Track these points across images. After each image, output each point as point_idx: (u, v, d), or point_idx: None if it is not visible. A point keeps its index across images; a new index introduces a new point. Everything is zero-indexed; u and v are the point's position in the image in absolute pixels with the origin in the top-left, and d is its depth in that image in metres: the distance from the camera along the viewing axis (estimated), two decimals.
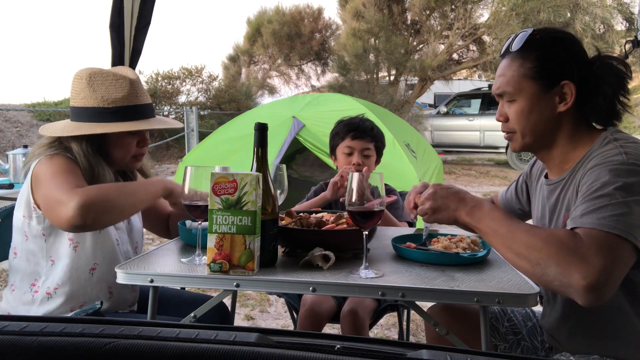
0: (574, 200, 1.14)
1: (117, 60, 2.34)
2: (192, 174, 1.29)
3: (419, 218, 1.31)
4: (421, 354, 0.50)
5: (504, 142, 10.61)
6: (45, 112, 11.84)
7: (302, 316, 1.83)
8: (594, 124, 1.22)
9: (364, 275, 1.15)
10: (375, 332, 2.92)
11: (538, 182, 1.38)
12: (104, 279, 1.48)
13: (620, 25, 11.38)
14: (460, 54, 13.84)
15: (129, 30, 2.32)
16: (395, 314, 2.26)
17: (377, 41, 13.07)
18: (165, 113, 12.29)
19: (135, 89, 1.50)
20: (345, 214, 1.40)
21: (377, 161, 2.07)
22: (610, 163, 1.07)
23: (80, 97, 1.47)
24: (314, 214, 1.52)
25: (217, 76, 14.57)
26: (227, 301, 1.88)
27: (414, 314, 2.47)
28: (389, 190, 2.08)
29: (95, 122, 1.45)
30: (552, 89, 1.17)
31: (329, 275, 1.17)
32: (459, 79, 17.14)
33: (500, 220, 1.08)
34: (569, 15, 11.02)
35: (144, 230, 1.72)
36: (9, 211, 1.71)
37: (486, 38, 12.51)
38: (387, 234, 1.63)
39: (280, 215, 1.41)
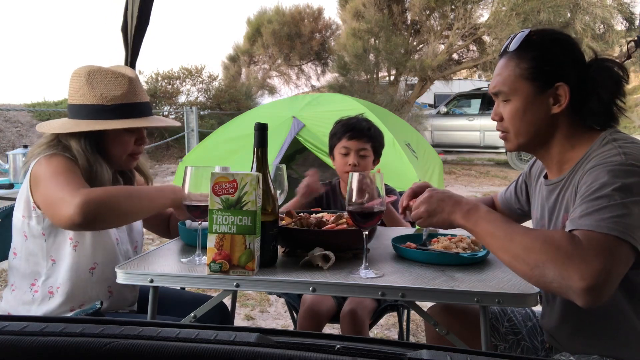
0: (572, 200, 1.14)
1: (127, 62, 2.36)
2: (192, 174, 1.29)
3: None
4: (421, 354, 0.50)
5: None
6: (45, 112, 11.83)
7: (301, 316, 1.83)
8: (592, 125, 1.21)
9: (364, 275, 1.15)
10: (375, 332, 2.92)
11: (537, 182, 1.38)
12: (104, 279, 1.48)
13: (620, 25, 11.38)
14: (460, 54, 13.84)
15: (130, 30, 2.32)
16: (395, 314, 2.26)
17: (377, 41, 13.07)
18: (165, 113, 12.29)
19: (134, 87, 1.50)
20: (345, 214, 1.40)
21: (376, 161, 2.06)
22: (609, 164, 1.06)
23: (78, 95, 1.47)
24: (314, 214, 1.52)
25: (217, 76, 14.58)
26: (227, 301, 1.88)
27: (414, 314, 2.47)
28: (389, 191, 2.08)
29: (94, 119, 1.45)
30: (546, 90, 1.17)
31: (329, 275, 1.17)
32: (459, 79, 17.14)
33: (496, 223, 1.08)
34: (569, 15, 11.02)
35: (144, 230, 1.72)
36: (9, 211, 1.71)
37: (486, 38, 12.51)
38: (387, 234, 1.63)
39: (280, 215, 1.41)
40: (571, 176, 1.19)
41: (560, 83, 1.15)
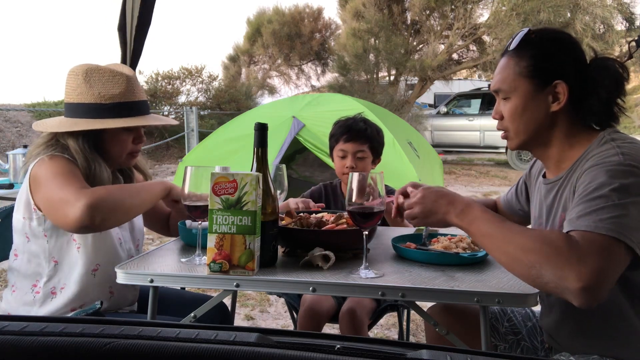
0: (570, 199, 1.14)
1: (124, 61, 2.36)
2: (192, 174, 1.29)
3: None
4: (421, 354, 0.50)
5: (504, 142, 10.56)
6: (45, 112, 11.83)
7: (301, 315, 1.83)
8: (592, 124, 1.21)
9: (364, 275, 1.15)
10: (375, 332, 2.92)
11: (536, 182, 1.38)
12: (105, 279, 1.48)
13: (620, 25, 11.38)
14: (460, 54, 13.84)
15: (129, 30, 2.32)
16: (395, 314, 2.26)
17: (377, 41, 13.07)
18: (165, 113, 12.29)
19: (132, 85, 1.50)
20: (345, 214, 1.40)
21: (377, 161, 2.05)
22: (607, 164, 1.06)
23: (76, 93, 1.46)
24: (314, 214, 1.52)
25: (217, 76, 14.59)
26: (227, 301, 1.88)
27: (414, 314, 2.47)
28: (389, 191, 2.08)
29: (92, 118, 1.44)
30: (545, 88, 1.17)
31: (329, 275, 1.17)
32: (459, 79, 17.14)
33: (492, 223, 1.07)
34: (569, 15, 11.02)
35: (144, 229, 1.72)
36: (9, 211, 1.71)
37: (486, 38, 12.51)
38: (387, 234, 1.63)
39: (280, 215, 1.41)
40: (569, 175, 1.19)
41: (558, 81, 1.15)
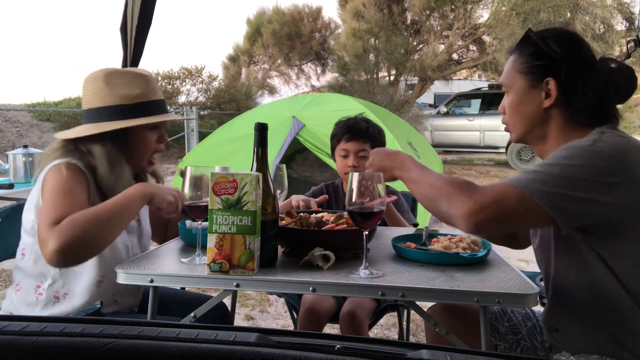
0: None
1: (125, 62, 2.36)
2: (192, 174, 1.29)
3: (420, 217, 1.33)
4: (421, 354, 0.50)
5: (504, 142, 10.59)
6: (45, 112, 11.83)
7: (302, 316, 1.83)
8: (590, 122, 1.22)
9: (364, 275, 1.15)
10: (375, 332, 2.92)
11: None
12: (110, 289, 1.48)
13: (620, 25, 11.38)
14: (460, 54, 13.85)
15: (130, 30, 2.32)
16: (395, 314, 2.26)
17: (377, 41, 13.07)
18: None
19: (152, 85, 1.52)
20: (345, 214, 1.40)
21: None
22: (574, 145, 1.11)
23: (99, 97, 1.46)
24: (314, 214, 1.52)
25: (217, 76, 14.59)
26: (227, 301, 1.88)
27: (414, 314, 2.47)
28: (389, 191, 2.08)
29: (117, 119, 1.45)
30: (539, 85, 1.23)
31: (329, 275, 1.17)
32: (459, 79, 17.15)
33: (417, 170, 1.24)
34: (569, 15, 11.01)
35: None
36: (9, 211, 1.71)
37: (486, 38, 12.51)
38: (387, 234, 1.63)
39: (280, 215, 1.41)
40: None
41: (549, 78, 1.21)
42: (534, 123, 1.25)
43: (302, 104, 5.61)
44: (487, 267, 1.27)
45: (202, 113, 12.17)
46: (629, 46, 1.53)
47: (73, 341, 0.50)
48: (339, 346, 0.51)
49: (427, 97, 17.28)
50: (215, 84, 14.28)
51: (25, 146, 3.37)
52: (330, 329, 2.67)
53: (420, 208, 2.59)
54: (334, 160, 2.09)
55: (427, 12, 13.08)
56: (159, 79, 13.01)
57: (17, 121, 11.60)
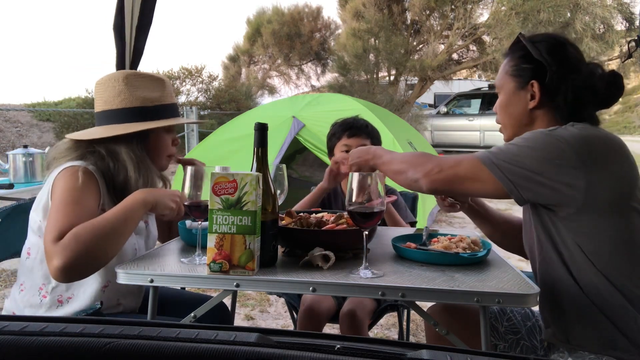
0: None
1: (120, 61, 2.35)
2: (192, 174, 1.29)
3: (420, 217, 1.34)
4: (421, 354, 0.50)
5: (503, 142, 10.58)
6: (45, 112, 11.84)
7: (301, 315, 1.83)
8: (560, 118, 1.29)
9: (364, 275, 1.15)
10: (375, 332, 2.92)
11: None
12: (114, 294, 1.48)
13: (620, 25, 11.37)
14: (460, 54, 13.85)
15: (129, 30, 2.32)
16: (395, 314, 2.26)
17: (377, 41, 13.07)
18: None
19: (169, 88, 1.55)
20: (345, 214, 1.40)
21: None
22: (537, 130, 1.21)
23: (119, 99, 1.46)
24: (314, 214, 1.52)
25: (217, 76, 14.59)
26: (227, 301, 1.88)
27: (414, 314, 2.47)
28: (389, 191, 2.09)
29: (138, 121, 1.46)
30: (524, 87, 1.31)
31: (329, 275, 1.17)
32: (459, 79, 17.15)
33: (388, 154, 1.39)
34: (568, 15, 11.01)
35: None
36: (9, 211, 1.71)
37: (486, 38, 12.51)
38: (387, 234, 1.63)
39: (280, 215, 1.41)
40: None
41: (534, 81, 1.28)
42: (520, 123, 1.33)
43: (302, 104, 5.61)
44: (487, 267, 1.27)
45: (202, 113, 12.18)
46: (629, 46, 1.54)
47: (73, 341, 0.50)
48: (339, 346, 0.51)
49: (427, 97, 17.28)
50: (215, 84, 14.28)
51: (25, 146, 3.37)
52: (330, 328, 2.67)
53: (420, 208, 2.59)
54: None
55: (427, 12, 13.09)
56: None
57: (17, 121, 11.60)
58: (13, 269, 3.87)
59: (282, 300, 2.70)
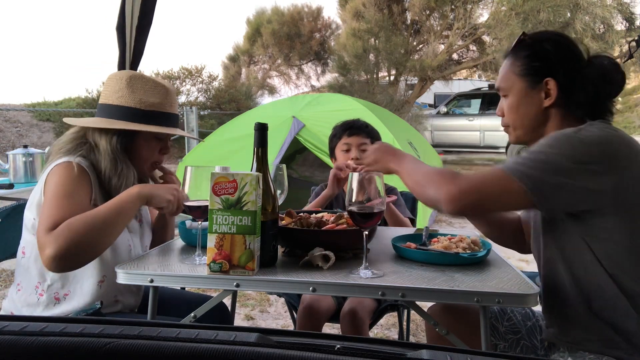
0: None
1: (122, 61, 2.36)
2: (192, 174, 1.29)
3: (420, 217, 1.34)
4: (421, 354, 0.50)
5: (504, 142, 10.60)
6: (45, 112, 11.84)
7: (300, 314, 1.83)
8: (586, 119, 1.25)
9: (364, 275, 1.15)
10: (375, 332, 2.92)
11: None
12: (111, 289, 1.48)
13: (620, 25, 11.37)
14: (460, 54, 13.84)
15: (129, 30, 2.32)
16: (395, 314, 2.26)
17: (377, 41, 13.06)
18: None
19: (170, 98, 1.56)
20: (345, 214, 1.40)
21: None
22: (559, 132, 1.15)
23: (117, 96, 1.49)
24: (314, 214, 1.52)
25: (217, 76, 14.59)
26: (227, 301, 1.88)
27: (414, 314, 2.47)
28: (390, 190, 2.10)
29: (129, 121, 1.48)
30: (537, 85, 1.27)
31: (329, 275, 1.17)
32: (459, 79, 17.14)
33: (412, 162, 1.31)
34: (568, 15, 11.01)
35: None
36: (9, 211, 1.71)
37: (486, 38, 12.51)
38: (387, 234, 1.63)
39: (280, 215, 1.41)
40: None
41: (549, 78, 1.25)
42: (534, 122, 1.29)
43: (302, 104, 5.61)
44: (487, 267, 1.27)
45: (202, 113, 12.18)
46: (630, 46, 1.54)
47: (73, 341, 0.50)
48: (339, 346, 0.51)
49: (427, 97, 17.27)
50: (215, 84, 14.28)
51: (25, 146, 3.37)
52: (331, 328, 2.67)
53: (420, 208, 2.59)
54: (334, 160, 2.14)
55: (427, 12, 13.08)
56: (159, 77, 13.01)
57: (17, 121, 11.60)
58: (13, 269, 3.87)
59: (282, 300, 2.70)
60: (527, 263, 4.02)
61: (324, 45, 18.06)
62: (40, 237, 1.24)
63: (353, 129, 2.09)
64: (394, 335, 2.91)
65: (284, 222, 1.40)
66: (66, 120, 1.54)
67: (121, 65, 2.39)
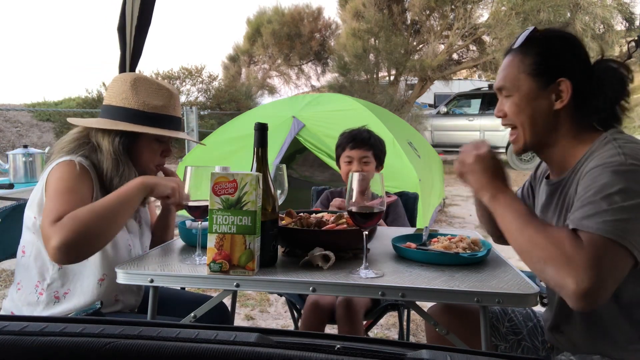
0: (572, 201, 1.14)
1: (123, 62, 2.37)
2: (192, 174, 1.29)
3: (420, 217, 1.32)
4: (421, 354, 0.50)
5: (504, 142, 10.60)
6: (45, 112, 11.84)
7: (306, 309, 1.87)
8: (595, 125, 1.20)
9: (364, 275, 1.15)
10: (375, 332, 2.92)
11: (540, 183, 1.38)
12: (111, 288, 1.48)
13: (620, 25, 11.38)
14: (460, 54, 13.85)
15: (129, 30, 2.33)
16: (395, 313, 2.26)
17: (377, 41, 13.07)
18: None
19: (174, 101, 1.56)
20: (345, 214, 1.40)
21: (379, 167, 2.16)
22: (609, 164, 1.05)
23: (121, 97, 1.50)
24: (314, 214, 1.52)
25: (217, 76, 14.61)
26: (227, 301, 1.88)
27: (414, 314, 2.47)
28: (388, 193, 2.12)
29: (131, 122, 1.49)
30: (549, 86, 1.17)
31: (329, 275, 1.17)
32: (459, 79, 17.14)
33: (515, 212, 1.10)
34: (569, 15, 11.01)
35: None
36: (9, 211, 1.71)
37: (486, 38, 12.51)
38: (387, 234, 1.63)
39: (280, 215, 1.41)
40: (572, 176, 1.18)
41: (562, 79, 1.15)
42: (544, 126, 1.19)
43: (302, 104, 5.61)
44: (487, 267, 1.27)
45: (202, 113, 12.18)
46: (629, 46, 1.53)
47: (73, 341, 0.50)
48: (339, 346, 0.51)
49: (427, 97, 17.27)
50: (215, 84, 14.30)
51: (25, 146, 3.37)
52: (330, 329, 2.67)
53: (420, 208, 2.59)
54: (340, 168, 2.20)
55: (427, 12, 13.09)
56: (159, 79, 13.00)
57: (17, 121, 11.60)
58: (13, 269, 3.87)
59: (282, 300, 2.70)
60: None
61: (324, 45, 18.07)
62: (45, 229, 1.25)
63: (355, 141, 2.11)
64: (394, 335, 2.91)
65: (284, 222, 1.40)
66: (70, 120, 1.55)
67: (122, 66, 2.40)
